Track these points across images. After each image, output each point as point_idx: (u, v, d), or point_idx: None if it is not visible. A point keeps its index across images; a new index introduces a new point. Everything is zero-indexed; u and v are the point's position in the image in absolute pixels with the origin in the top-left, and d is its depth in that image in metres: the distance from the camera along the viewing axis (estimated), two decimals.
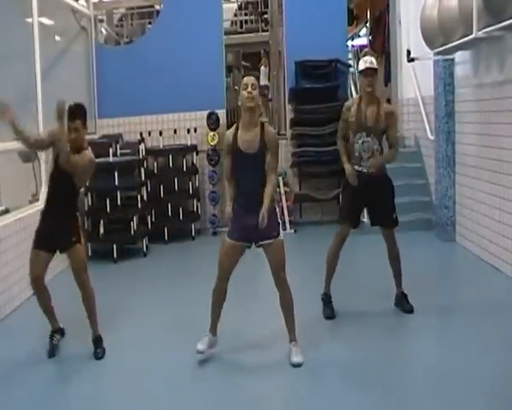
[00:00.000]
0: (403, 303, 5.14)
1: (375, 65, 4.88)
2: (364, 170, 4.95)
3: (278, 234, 4.27)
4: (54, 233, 4.54)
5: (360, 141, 4.94)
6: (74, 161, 4.37)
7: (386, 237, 5.11)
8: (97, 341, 4.63)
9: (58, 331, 4.84)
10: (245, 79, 4.27)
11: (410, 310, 5.07)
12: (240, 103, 4.21)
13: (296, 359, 4.22)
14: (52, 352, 4.66)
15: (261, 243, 4.24)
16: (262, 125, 4.24)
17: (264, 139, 4.17)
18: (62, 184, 4.49)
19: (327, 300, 5.17)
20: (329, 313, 5.10)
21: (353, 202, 5.03)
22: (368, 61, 4.86)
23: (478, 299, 5.33)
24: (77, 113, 4.47)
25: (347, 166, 4.98)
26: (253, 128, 4.18)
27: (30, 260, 4.61)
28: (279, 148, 4.37)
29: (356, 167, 4.98)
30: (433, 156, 7.69)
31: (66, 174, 4.43)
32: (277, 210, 4.40)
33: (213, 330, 4.46)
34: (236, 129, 4.26)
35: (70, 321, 4.97)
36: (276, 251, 4.25)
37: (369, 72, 4.86)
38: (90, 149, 4.56)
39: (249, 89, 4.14)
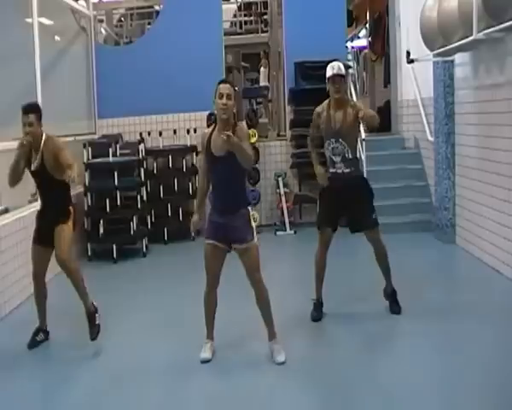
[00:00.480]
0: (391, 303, 5.13)
1: (342, 71, 4.88)
2: (339, 171, 4.95)
3: (252, 238, 4.27)
4: (47, 226, 4.67)
5: (330, 147, 4.95)
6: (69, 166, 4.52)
7: (370, 239, 5.09)
8: (91, 315, 4.72)
9: (43, 331, 4.88)
10: (220, 86, 4.18)
11: (398, 311, 5.07)
12: (215, 110, 4.23)
13: (279, 358, 4.26)
14: (32, 345, 4.73)
15: (235, 246, 4.27)
16: (234, 126, 4.23)
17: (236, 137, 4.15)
18: (45, 181, 4.66)
19: (318, 305, 5.13)
20: (316, 315, 5.07)
21: (331, 206, 5.01)
22: (335, 68, 4.87)
23: (477, 301, 5.33)
24: (30, 108, 4.66)
25: (318, 169, 5.04)
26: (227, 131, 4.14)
27: (31, 257, 4.78)
28: (248, 134, 4.39)
29: (330, 170, 5.00)
30: (433, 158, 7.70)
31: (43, 174, 4.61)
32: (250, 216, 4.33)
33: (210, 335, 4.50)
34: (212, 131, 4.29)
35: (69, 321, 4.97)
36: (249, 254, 4.24)
37: (336, 78, 4.86)
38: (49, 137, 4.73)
39: (224, 100, 4.12)
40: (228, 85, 4.19)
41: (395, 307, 5.10)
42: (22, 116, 4.60)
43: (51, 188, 4.71)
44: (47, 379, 4.34)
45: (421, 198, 8.23)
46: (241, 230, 4.21)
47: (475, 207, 6.64)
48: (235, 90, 4.24)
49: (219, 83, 4.23)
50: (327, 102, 5.06)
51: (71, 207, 4.81)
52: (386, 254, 5.11)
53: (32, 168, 4.68)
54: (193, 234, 4.43)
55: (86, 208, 7.72)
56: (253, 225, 4.34)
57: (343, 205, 4.99)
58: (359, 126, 4.99)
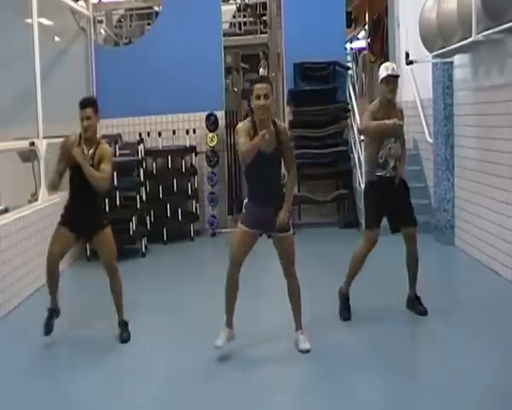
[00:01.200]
0: (416, 306, 5.13)
1: (397, 72, 4.87)
2: (387, 175, 4.97)
3: (290, 228, 4.40)
4: (81, 216, 4.67)
5: (388, 146, 4.93)
6: (100, 175, 4.56)
7: (408, 238, 5.06)
8: (123, 325, 4.81)
9: (56, 311, 4.89)
10: (257, 86, 4.15)
11: (425, 312, 5.06)
12: (254, 109, 4.20)
13: (304, 345, 4.38)
14: (49, 330, 4.76)
15: (275, 234, 4.35)
16: (274, 123, 4.25)
17: (280, 138, 4.23)
18: (85, 182, 4.59)
19: (345, 300, 5.13)
20: (346, 314, 5.08)
21: (378, 205, 5.02)
22: (390, 68, 4.86)
23: (477, 302, 5.35)
24: (87, 102, 4.71)
25: (389, 122, 4.86)
26: (268, 128, 4.15)
27: (52, 237, 4.76)
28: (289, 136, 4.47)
29: (378, 173, 4.99)
30: (432, 159, 7.71)
31: (83, 179, 4.56)
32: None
33: (229, 322, 4.46)
34: (253, 127, 4.20)
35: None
36: (288, 245, 4.41)
37: (391, 79, 4.85)
38: (102, 140, 4.80)
39: (261, 100, 4.11)
40: (264, 85, 4.17)
41: (422, 309, 5.08)
42: (80, 111, 4.63)
43: (89, 187, 4.65)
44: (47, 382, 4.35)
45: (420, 199, 8.21)
46: (278, 220, 4.28)
47: (474, 209, 6.65)
48: (272, 87, 4.26)
49: (255, 82, 4.22)
50: (376, 102, 5.05)
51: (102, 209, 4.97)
52: (418, 259, 5.08)
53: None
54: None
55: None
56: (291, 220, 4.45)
57: (388, 205, 5.01)
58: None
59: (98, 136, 5.02)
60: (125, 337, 4.77)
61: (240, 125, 4.32)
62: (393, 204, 5.02)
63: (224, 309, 4.46)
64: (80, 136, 4.71)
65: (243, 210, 4.41)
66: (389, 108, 4.96)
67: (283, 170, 4.52)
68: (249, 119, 4.31)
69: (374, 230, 5.02)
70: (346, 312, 5.09)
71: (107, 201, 7.49)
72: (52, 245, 4.76)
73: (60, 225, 4.75)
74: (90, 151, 4.66)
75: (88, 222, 4.69)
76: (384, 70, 4.88)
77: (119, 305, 4.86)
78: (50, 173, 4.92)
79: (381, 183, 4.99)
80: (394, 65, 4.97)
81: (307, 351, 4.36)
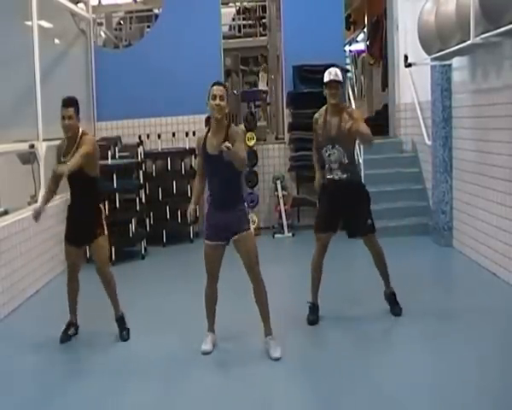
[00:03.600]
0: (392, 305, 5.16)
1: (339, 77, 4.91)
2: (335, 177, 4.99)
3: (248, 228, 4.45)
4: (78, 229, 4.79)
5: (327, 153, 4.98)
6: (80, 159, 4.53)
7: (367, 245, 5.12)
8: (120, 320, 4.91)
9: (74, 326, 4.99)
10: (214, 88, 4.34)
11: (399, 313, 5.10)
12: (209, 110, 4.35)
13: (275, 354, 4.36)
14: (65, 339, 4.86)
15: (234, 238, 4.41)
16: (228, 127, 4.39)
17: (228, 137, 4.31)
18: (76, 178, 4.63)
19: (314, 309, 5.14)
20: (313, 318, 5.08)
21: (328, 210, 5.03)
22: (332, 73, 4.90)
23: (474, 304, 5.35)
24: (69, 102, 4.68)
25: (316, 174, 5.19)
26: (221, 132, 4.35)
27: (65, 252, 4.93)
28: (243, 136, 4.56)
29: (327, 176, 5.05)
30: (431, 161, 7.73)
31: (76, 170, 4.56)
32: (246, 211, 4.62)
33: (211, 328, 4.65)
34: (207, 132, 4.45)
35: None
36: (246, 243, 4.40)
37: (333, 84, 4.89)
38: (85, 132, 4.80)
39: (217, 100, 4.28)
40: (221, 87, 4.37)
41: (396, 309, 5.13)
42: (62, 109, 4.64)
43: (83, 185, 4.74)
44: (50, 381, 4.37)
45: (419, 201, 8.27)
46: (238, 221, 4.39)
47: (472, 211, 6.67)
48: (227, 91, 4.41)
49: (212, 85, 4.40)
50: (324, 108, 5.09)
51: (101, 206, 4.94)
52: (384, 257, 5.13)
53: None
54: (190, 222, 4.53)
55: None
56: (250, 219, 4.57)
57: (339, 210, 5.01)
58: (351, 127, 4.98)
59: (97, 138, 5.03)
60: (124, 336, 4.88)
61: (197, 138, 4.64)
62: (345, 209, 5.01)
63: (206, 317, 4.64)
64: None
65: (204, 222, 4.53)
66: (334, 112, 4.97)
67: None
68: (207, 128, 4.52)
69: (321, 235, 5.05)
70: (312, 317, 5.09)
71: (106, 203, 7.53)
72: (66, 257, 4.95)
73: (66, 242, 4.91)
74: (73, 151, 4.65)
75: (82, 232, 4.79)
76: (327, 75, 4.93)
77: (114, 302, 4.95)
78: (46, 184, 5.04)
79: (331, 187, 5.04)
80: (338, 70, 4.97)
81: (277, 359, 4.32)
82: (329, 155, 4.96)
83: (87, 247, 5.12)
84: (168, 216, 8.54)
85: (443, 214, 7.39)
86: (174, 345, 4.74)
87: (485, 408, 3.64)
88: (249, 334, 4.79)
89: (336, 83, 4.90)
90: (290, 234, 8.68)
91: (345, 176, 4.97)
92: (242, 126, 4.64)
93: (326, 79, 4.91)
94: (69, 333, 4.93)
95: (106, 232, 4.86)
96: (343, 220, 5.10)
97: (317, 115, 5.11)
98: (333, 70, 4.94)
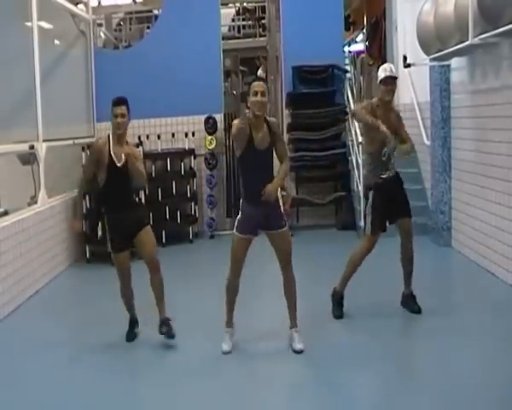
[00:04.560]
0: (410, 304, 5.18)
1: (394, 73, 4.93)
2: (390, 174, 5.06)
3: (285, 224, 4.50)
4: (125, 227, 4.67)
5: (384, 149, 4.94)
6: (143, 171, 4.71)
7: (403, 230, 5.11)
8: (166, 321, 4.75)
9: (136, 322, 4.98)
10: (255, 84, 4.30)
11: (418, 311, 5.12)
12: (249, 106, 4.31)
13: (298, 346, 4.44)
14: (131, 337, 4.87)
15: (271, 232, 4.45)
16: (265, 120, 4.40)
17: (272, 133, 4.37)
18: (121, 181, 4.64)
19: (339, 300, 5.18)
20: (339, 312, 5.15)
21: (383, 210, 5.05)
22: (388, 70, 4.92)
23: (473, 303, 5.38)
24: (122, 100, 4.69)
25: (383, 128, 4.84)
26: (262, 127, 4.36)
27: (115, 264, 4.81)
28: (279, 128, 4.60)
29: (382, 175, 5.05)
30: (429, 162, 7.75)
31: (124, 173, 4.62)
32: (280, 203, 4.60)
33: (230, 323, 4.65)
34: (250, 128, 4.33)
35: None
36: (284, 240, 4.50)
37: (389, 80, 4.91)
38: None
39: (258, 97, 4.25)
40: (262, 83, 4.36)
41: (416, 307, 5.14)
42: (114, 108, 4.65)
43: (126, 186, 4.71)
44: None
45: (418, 202, 8.25)
46: (276, 217, 4.45)
47: (471, 211, 6.69)
48: (268, 87, 4.43)
49: (253, 81, 4.39)
50: (374, 101, 5.08)
51: (143, 203, 4.90)
52: (413, 257, 5.14)
53: (118, 164, 4.63)
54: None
55: (84, 211, 7.74)
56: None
57: (392, 200, 5.07)
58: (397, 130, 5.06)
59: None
60: (171, 333, 4.69)
61: (235, 121, 4.48)
62: (393, 200, 5.08)
63: (226, 311, 4.62)
64: (109, 138, 4.72)
65: (239, 214, 4.50)
66: (387, 110, 5.01)
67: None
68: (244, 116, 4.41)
69: (377, 236, 5.07)
70: (338, 310, 5.15)
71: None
72: (118, 268, 4.81)
73: (114, 253, 4.76)
74: (123, 150, 4.67)
75: (129, 227, 4.68)
76: (382, 72, 4.95)
77: (160, 302, 4.82)
78: (80, 178, 5.00)
79: (387, 185, 5.05)
80: (392, 66, 5.03)
81: (301, 351, 4.41)
82: (391, 148, 4.95)
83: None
84: (168, 216, 8.56)
85: (442, 214, 7.41)
86: (174, 345, 4.75)
87: (487, 406, 3.66)
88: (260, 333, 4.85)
89: (392, 79, 4.92)
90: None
91: (394, 170, 5.10)
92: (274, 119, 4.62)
93: (382, 75, 4.93)
94: (136, 331, 4.92)
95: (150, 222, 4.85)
96: (394, 207, 5.11)
97: (374, 103, 5.04)
98: (387, 66, 5.00)
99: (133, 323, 4.96)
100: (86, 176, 4.83)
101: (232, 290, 4.58)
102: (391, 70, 4.93)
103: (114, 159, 4.63)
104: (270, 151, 4.41)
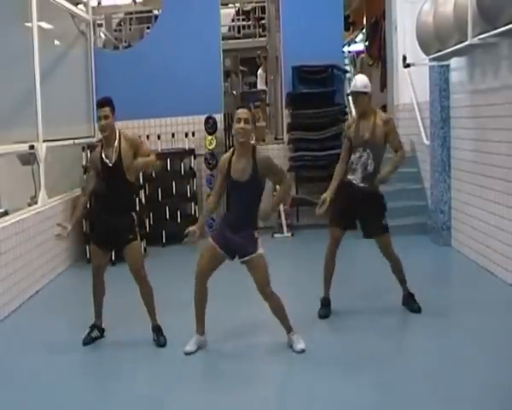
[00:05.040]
0: (410, 303, 5.22)
1: (359, 88, 4.95)
2: (354, 182, 5.07)
3: (255, 250, 4.41)
4: (110, 233, 4.73)
5: (357, 154, 5.04)
6: (152, 159, 4.83)
7: (381, 248, 5.16)
8: (157, 329, 4.82)
9: (98, 328, 4.96)
10: (239, 111, 4.36)
11: (418, 309, 5.15)
12: (233, 133, 4.37)
13: (299, 346, 4.45)
14: (87, 341, 4.84)
15: (242, 260, 4.43)
16: (253, 150, 4.37)
17: (257, 167, 4.33)
18: (116, 182, 4.67)
19: (325, 303, 5.24)
20: (324, 312, 5.18)
21: (345, 207, 5.09)
22: (355, 84, 4.99)
23: (472, 303, 5.39)
24: (104, 101, 4.67)
25: (330, 187, 5.11)
26: (245, 156, 4.35)
27: (91, 253, 4.94)
28: (273, 162, 4.47)
29: (349, 176, 5.10)
30: (429, 161, 7.76)
31: (118, 172, 4.64)
32: (256, 235, 4.49)
33: (200, 330, 4.65)
34: (232, 154, 4.43)
35: None
36: (256, 266, 4.41)
37: (354, 95, 5.02)
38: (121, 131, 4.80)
39: (242, 124, 4.29)
40: (246, 110, 4.38)
41: (415, 306, 5.18)
42: (97, 110, 4.65)
43: (121, 188, 4.72)
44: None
45: (418, 201, 8.30)
46: (244, 244, 4.40)
47: (471, 210, 6.70)
48: (253, 115, 4.46)
49: (237, 108, 4.42)
50: (353, 117, 5.24)
51: (133, 214, 4.84)
52: (400, 265, 5.18)
53: (110, 164, 4.66)
54: (185, 235, 4.54)
55: (85, 211, 7.75)
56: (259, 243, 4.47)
57: (355, 210, 5.10)
58: (385, 143, 5.08)
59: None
60: (161, 341, 4.76)
61: (222, 158, 4.56)
62: (363, 214, 5.10)
63: (195, 318, 4.64)
64: (102, 142, 4.75)
65: (217, 227, 4.53)
66: (364, 119, 5.03)
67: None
68: (232, 149, 4.49)
69: (335, 228, 5.12)
70: (322, 310, 5.18)
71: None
72: (92, 260, 4.92)
73: (93, 245, 4.89)
74: (114, 149, 4.67)
75: (116, 237, 4.72)
76: (351, 85, 5.05)
77: (150, 311, 4.89)
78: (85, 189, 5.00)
79: (349, 187, 5.09)
80: (363, 78, 5.04)
81: (303, 351, 4.43)
82: (360, 156, 5.03)
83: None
84: (168, 216, 8.57)
85: (441, 214, 7.42)
86: (174, 345, 4.75)
87: (487, 406, 3.67)
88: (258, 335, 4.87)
89: (358, 94, 4.98)
90: (289, 234, 8.71)
91: (363, 185, 5.05)
92: (266, 154, 4.57)
93: (349, 89, 5.02)
94: (92, 336, 4.89)
95: (138, 238, 4.83)
96: (359, 220, 5.20)
97: (350, 121, 5.25)
98: (358, 79, 5.03)
99: (93, 327, 4.93)
100: (88, 189, 4.84)
101: (198, 297, 4.60)
102: (360, 84, 4.97)
103: (106, 160, 4.66)
104: (251, 184, 4.34)
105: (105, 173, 4.68)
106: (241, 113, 4.32)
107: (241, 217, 4.41)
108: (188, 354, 4.52)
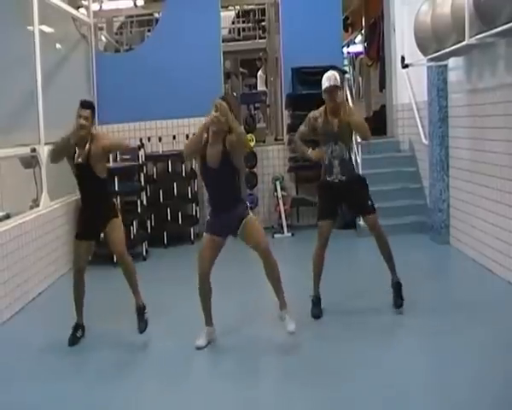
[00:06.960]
0: (394, 296, 5.24)
1: (337, 82, 5.02)
2: (336, 180, 5.13)
3: (247, 214, 4.54)
4: (92, 219, 4.88)
5: (329, 150, 5.12)
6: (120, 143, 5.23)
7: (370, 226, 5.23)
8: (140, 311, 4.92)
9: (81, 327, 5.03)
10: (217, 100, 4.44)
11: (400, 305, 5.17)
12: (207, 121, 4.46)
13: (290, 328, 4.47)
14: (73, 341, 4.90)
15: (238, 232, 4.52)
16: (224, 138, 4.47)
17: (226, 150, 4.44)
18: (88, 180, 4.84)
19: (316, 301, 5.27)
20: (317, 312, 5.21)
21: (329, 199, 5.18)
22: (331, 79, 5.02)
23: (472, 300, 5.42)
24: (88, 104, 4.90)
25: (306, 150, 5.28)
26: (217, 144, 4.46)
27: (73, 252, 5.04)
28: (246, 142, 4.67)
29: (327, 178, 5.17)
30: (428, 160, 7.80)
31: (87, 169, 4.78)
32: (246, 205, 4.69)
33: (209, 322, 4.75)
34: (206, 142, 4.51)
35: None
36: (252, 225, 4.52)
37: (333, 90, 5.03)
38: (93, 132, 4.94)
39: (217, 113, 4.38)
40: (224, 103, 4.43)
41: (398, 301, 5.20)
42: (79, 109, 4.83)
43: (93, 184, 4.87)
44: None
45: (416, 200, 8.34)
46: (238, 216, 4.51)
47: (469, 209, 6.74)
48: (230, 106, 4.47)
49: (219, 97, 4.53)
50: (323, 108, 5.19)
51: (111, 199, 5.08)
52: (387, 242, 5.21)
53: (77, 161, 4.81)
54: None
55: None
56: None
57: (340, 201, 5.26)
58: (350, 123, 5.14)
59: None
60: (141, 327, 4.88)
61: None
62: (350, 199, 5.24)
63: (203, 311, 4.73)
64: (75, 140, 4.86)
65: (207, 218, 4.66)
66: (334, 112, 5.08)
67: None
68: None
69: (324, 223, 5.17)
70: (314, 310, 5.22)
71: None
72: (75, 260, 5.01)
73: (76, 239, 4.99)
74: (84, 151, 4.80)
75: (96, 220, 4.89)
76: (326, 81, 5.04)
77: (134, 289, 4.96)
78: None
79: (330, 186, 5.17)
80: (335, 73, 5.09)
81: (293, 332, 4.46)
82: (332, 151, 5.10)
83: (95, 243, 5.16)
84: (169, 218, 8.62)
85: (440, 212, 7.46)
86: (175, 345, 4.81)
87: (485, 405, 3.67)
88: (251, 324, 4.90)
89: (335, 88, 5.01)
90: (290, 234, 8.75)
91: (344, 177, 5.12)
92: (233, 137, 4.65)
93: (325, 84, 5.02)
94: (77, 335, 4.96)
95: (120, 216, 4.97)
96: (346, 205, 5.40)
97: (316, 114, 5.20)
98: (331, 75, 5.04)
99: (77, 327, 5.00)
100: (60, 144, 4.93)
101: (203, 293, 4.67)
102: (334, 79, 5.02)
103: (78, 160, 4.80)
104: (223, 170, 4.47)
105: (76, 169, 4.86)
106: (220, 104, 4.39)
107: (226, 199, 4.54)
108: (199, 348, 4.59)
